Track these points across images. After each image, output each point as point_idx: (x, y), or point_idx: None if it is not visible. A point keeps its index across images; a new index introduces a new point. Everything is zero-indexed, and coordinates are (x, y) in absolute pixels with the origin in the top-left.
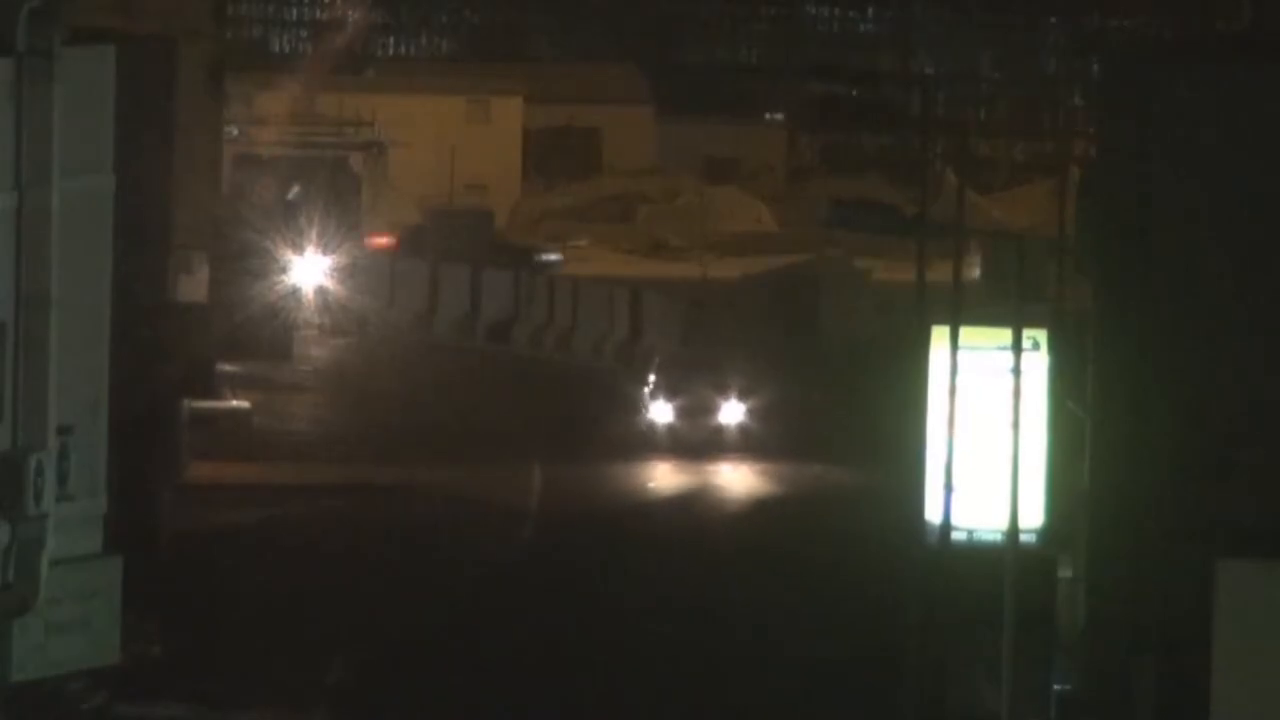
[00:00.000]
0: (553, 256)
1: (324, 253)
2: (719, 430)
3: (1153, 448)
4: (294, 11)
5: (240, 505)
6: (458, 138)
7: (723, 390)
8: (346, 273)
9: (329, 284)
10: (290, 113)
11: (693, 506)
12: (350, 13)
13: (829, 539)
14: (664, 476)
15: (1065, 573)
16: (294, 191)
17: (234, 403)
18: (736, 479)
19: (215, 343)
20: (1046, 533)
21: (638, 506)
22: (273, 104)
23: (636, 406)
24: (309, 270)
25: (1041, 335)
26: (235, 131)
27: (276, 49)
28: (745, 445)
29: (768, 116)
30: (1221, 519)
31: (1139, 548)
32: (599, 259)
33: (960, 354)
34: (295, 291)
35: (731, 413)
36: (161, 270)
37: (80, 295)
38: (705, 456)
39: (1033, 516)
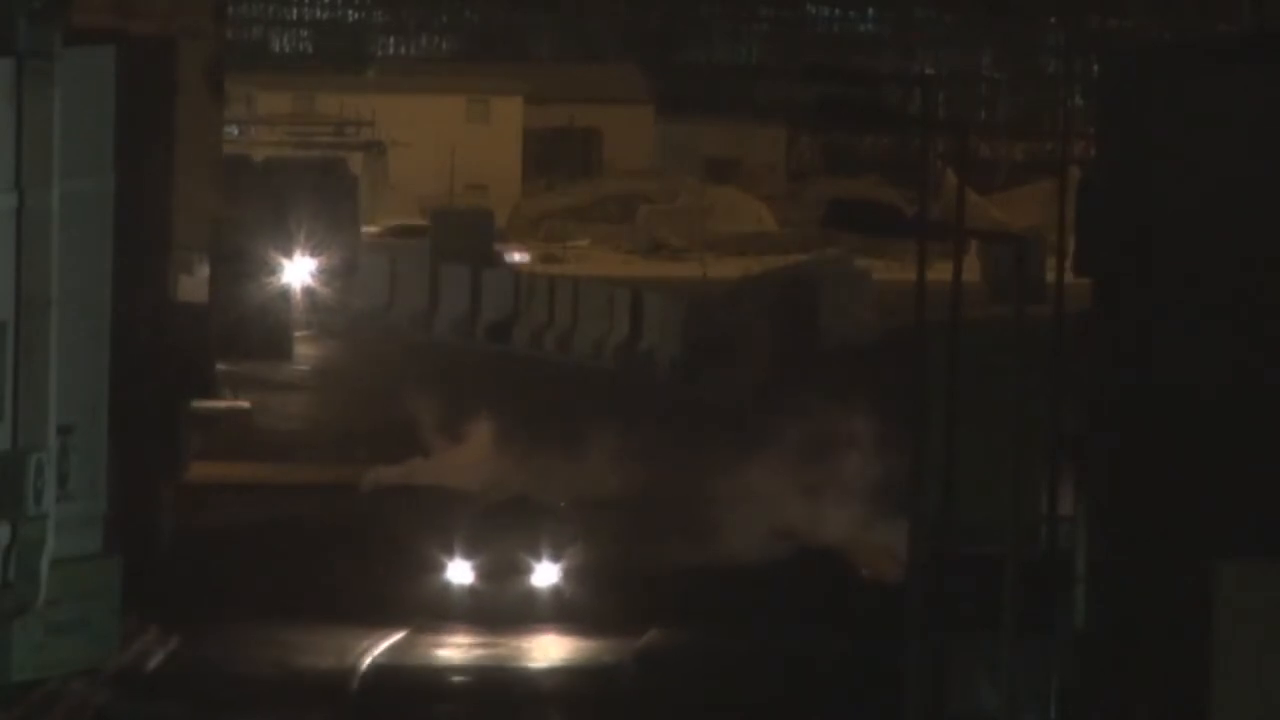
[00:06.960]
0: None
1: (322, 253)
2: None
3: (1153, 447)
4: (294, 11)
5: (240, 505)
6: (458, 138)
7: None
8: (345, 272)
9: (327, 284)
10: (290, 113)
11: None
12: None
13: None
14: None
15: (1066, 573)
16: (293, 192)
17: (234, 402)
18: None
19: (215, 342)
20: (1047, 533)
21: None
22: (273, 104)
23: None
24: (307, 270)
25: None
26: (235, 131)
27: (277, 49)
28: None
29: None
30: (1221, 519)
31: (1139, 547)
32: (599, 259)
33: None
34: (294, 291)
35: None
36: (161, 270)
37: (80, 295)
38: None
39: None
